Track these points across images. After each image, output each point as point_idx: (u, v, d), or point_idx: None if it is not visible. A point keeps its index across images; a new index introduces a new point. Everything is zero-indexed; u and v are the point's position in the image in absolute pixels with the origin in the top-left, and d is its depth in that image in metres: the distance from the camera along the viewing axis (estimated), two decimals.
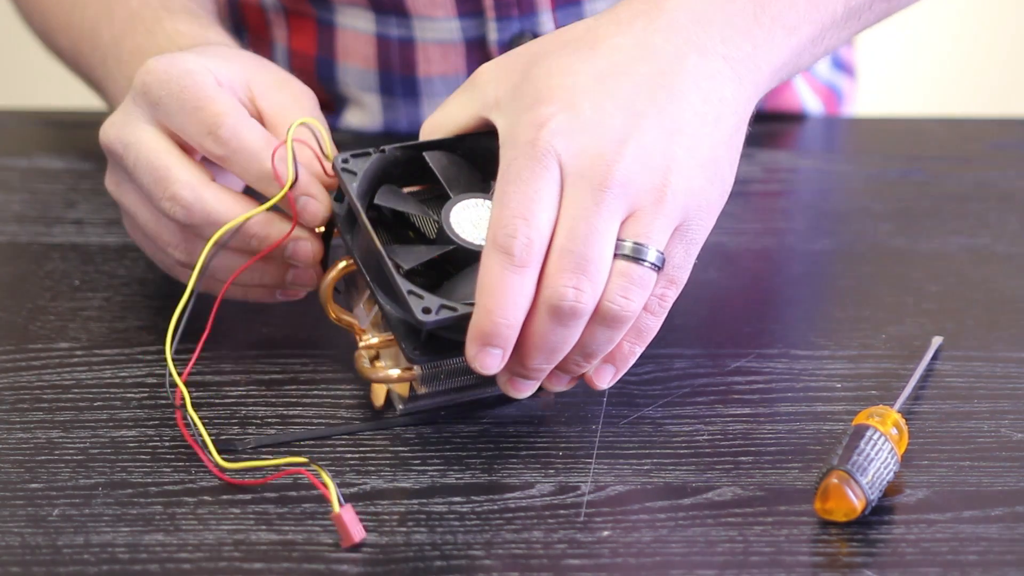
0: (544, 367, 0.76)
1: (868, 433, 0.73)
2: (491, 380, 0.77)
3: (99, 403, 0.80)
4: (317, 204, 0.79)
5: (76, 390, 0.81)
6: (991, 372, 0.84)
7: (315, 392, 0.81)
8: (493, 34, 1.07)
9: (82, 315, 0.88)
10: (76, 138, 1.13)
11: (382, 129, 1.13)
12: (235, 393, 0.81)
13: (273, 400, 0.81)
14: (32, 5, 1.08)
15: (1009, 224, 1.01)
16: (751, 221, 1.02)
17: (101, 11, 0.98)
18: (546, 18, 1.07)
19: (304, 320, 0.87)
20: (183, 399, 0.76)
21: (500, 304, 0.73)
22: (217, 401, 0.81)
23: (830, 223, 1.03)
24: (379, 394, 0.79)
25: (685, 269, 0.77)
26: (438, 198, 0.78)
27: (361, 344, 0.78)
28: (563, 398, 0.81)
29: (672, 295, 0.77)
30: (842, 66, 1.27)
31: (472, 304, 0.74)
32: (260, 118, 0.83)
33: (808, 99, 1.20)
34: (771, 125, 1.17)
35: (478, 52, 1.08)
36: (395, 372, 0.77)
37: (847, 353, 0.85)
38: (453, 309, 0.74)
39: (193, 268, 0.80)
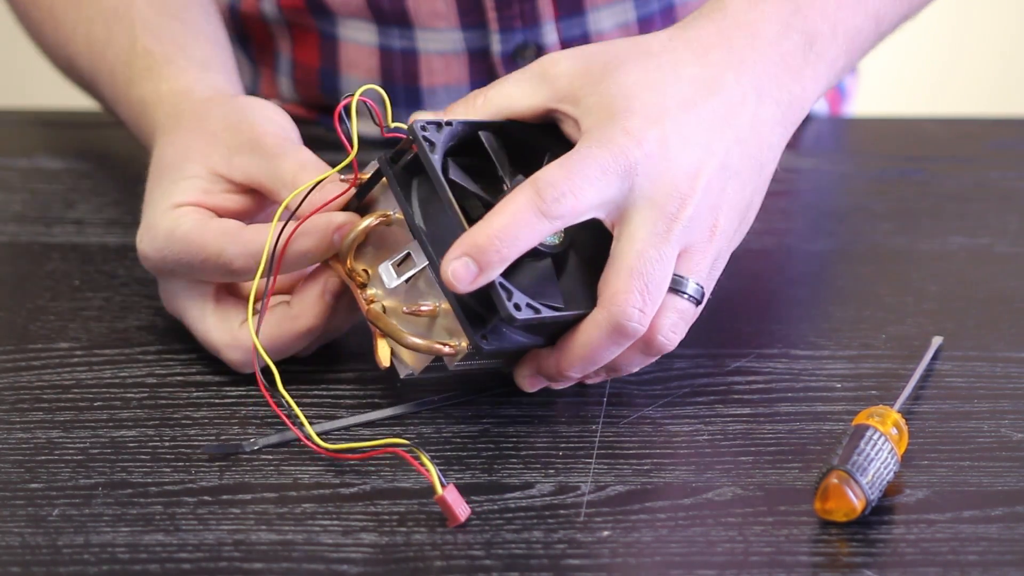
0: (575, 377, 0.78)
1: (868, 433, 0.73)
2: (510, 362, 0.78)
3: (99, 403, 0.80)
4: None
5: (76, 390, 0.81)
6: (991, 372, 0.84)
7: (315, 392, 0.81)
8: (496, 46, 1.07)
9: (82, 315, 0.88)
10: (76, 138, 1.13)
11: (381, 139, 1.13)
12: (235, 393, 0.81)
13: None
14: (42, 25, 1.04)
15: (1009, 224, 1.01)
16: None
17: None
18: (549, 29, 1.07)
19: None
20: (272, 377, 0.76)
21: (506, 231, 0.73)
22: (217, 401, 0.81)
23: (830, 223, 1.03)
24: (385, 353, 0.78)
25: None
26: (482, 175, 0.78)
27: (406, 310, 0.77)
28: (563, 398, 0.81)
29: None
30: None
31: (554, 307, 0.74)
32: (242, 188, 0.82)
33: None
34: None
35: (481, 63, 1.08)
36: (444, 347, 0.76)
37: (847, 353, 0.85)
38: (537, 310, 0.74)
39: None
